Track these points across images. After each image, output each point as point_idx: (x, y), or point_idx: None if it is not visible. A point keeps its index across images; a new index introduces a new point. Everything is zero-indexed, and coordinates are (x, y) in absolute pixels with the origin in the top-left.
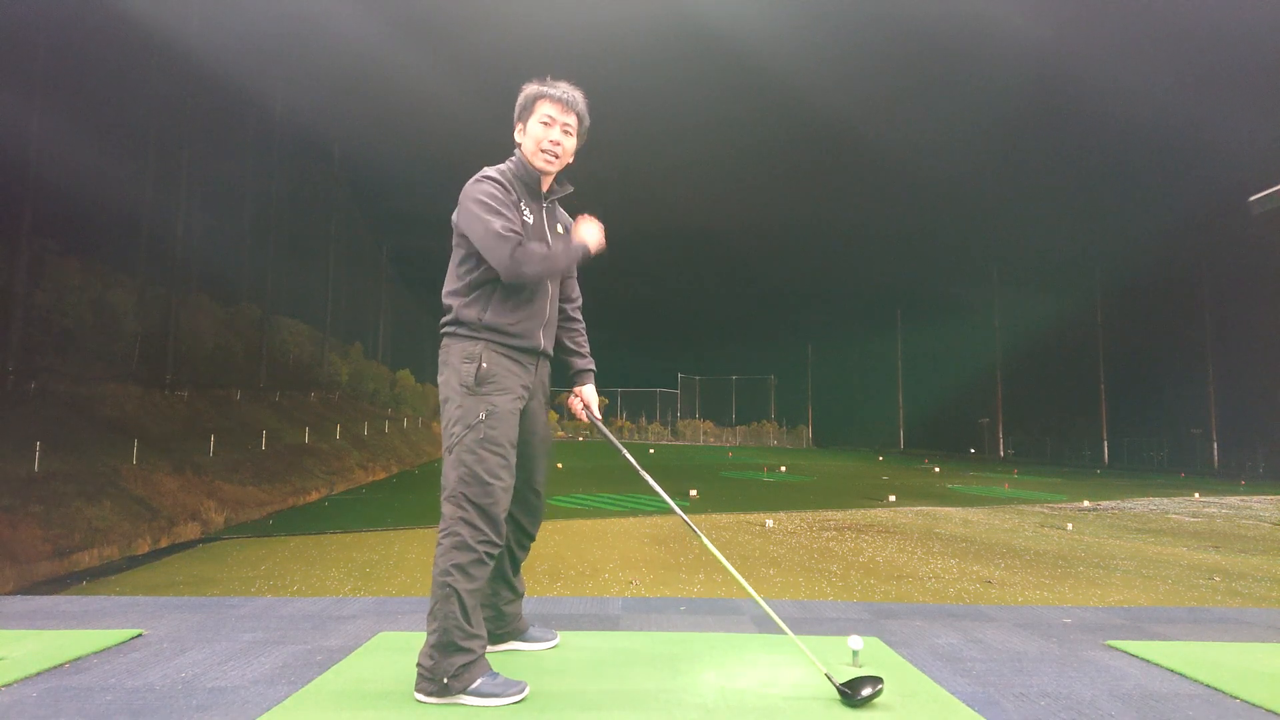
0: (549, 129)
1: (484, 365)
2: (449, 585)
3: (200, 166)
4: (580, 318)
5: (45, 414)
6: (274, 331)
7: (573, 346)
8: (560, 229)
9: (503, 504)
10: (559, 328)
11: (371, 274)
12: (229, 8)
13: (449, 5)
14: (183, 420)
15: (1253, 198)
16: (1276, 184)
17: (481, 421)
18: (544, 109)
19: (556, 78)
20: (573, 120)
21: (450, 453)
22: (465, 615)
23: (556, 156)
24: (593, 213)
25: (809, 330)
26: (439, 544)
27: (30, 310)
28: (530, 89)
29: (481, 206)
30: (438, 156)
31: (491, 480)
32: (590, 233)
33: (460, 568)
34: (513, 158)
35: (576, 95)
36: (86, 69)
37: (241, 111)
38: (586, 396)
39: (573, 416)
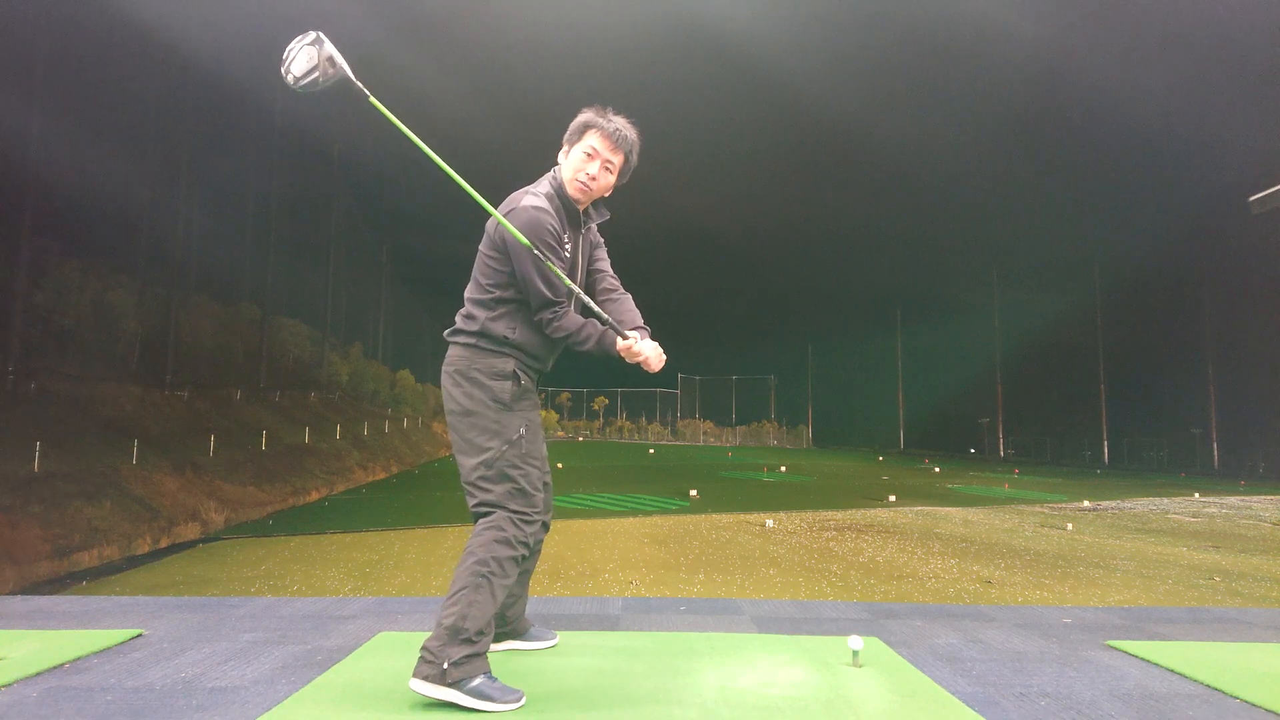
0: (589, 161)
1: (523, 382)
2: (486, 575)
3: (200, 166)
4: (624, 291)
5: (45, 414)
6: (274, 331)
7: (621, 317)
8: (589, 249)
9: (542, 511)
10: (603, 303)
11: (371, 274)
12: (229, 8)
13: (449, 5)
14: (183, 420)
15: (1253, 198)
16: (1276, 184)
17: (522, 437)
18: (591, 140)
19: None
20: (617, 159)
21: (490, 467)
22: (492, 605)
23: (589, 189)
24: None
25: (809, 330)
26: (479, 534)
27: (30, 310)
28: (586, 116)
29: (538, 247)
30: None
31: (535, 492)
32: (644, 352)
33: (499, 561)
34: (552, 177)
35: (629, 134)
36: (86, 69)
37: (241, 111)
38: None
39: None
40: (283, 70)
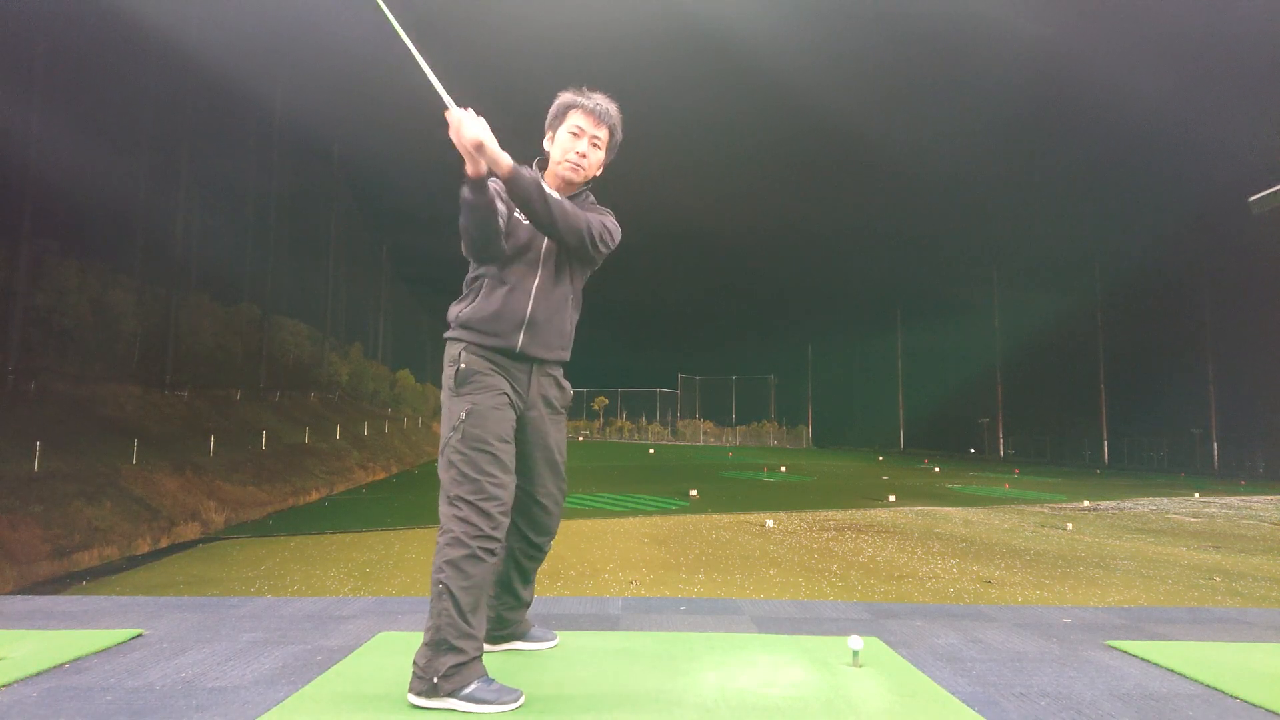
0: (577, 140)
1: (463, 366)
2: (442, 582)
3: (200, 166)
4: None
5: (45, 414)
6: (274, 331)
7: None
8: None
9: (499, 499)
10: None
11: (371, 274)
12: (229, 8)
13: (449, 5)
14: (183, 420)
15: (1252, 198)
16: (1276, 184)
17: (463, 421)
18: (574, 119)
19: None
20: (603, 134)
21: (442, 454)
22: (459, 613)
23: (581, 168)
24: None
25: (809, 330)
26: (436, 543)
27: (30, 310)
28: (564, 97)
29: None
30: (438, 156)
31: (480, 476)
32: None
33: (453, 564)
34: (534, 165)
35: (610, 108)
36: (86, 69)
37: (241, 111)
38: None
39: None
40: None
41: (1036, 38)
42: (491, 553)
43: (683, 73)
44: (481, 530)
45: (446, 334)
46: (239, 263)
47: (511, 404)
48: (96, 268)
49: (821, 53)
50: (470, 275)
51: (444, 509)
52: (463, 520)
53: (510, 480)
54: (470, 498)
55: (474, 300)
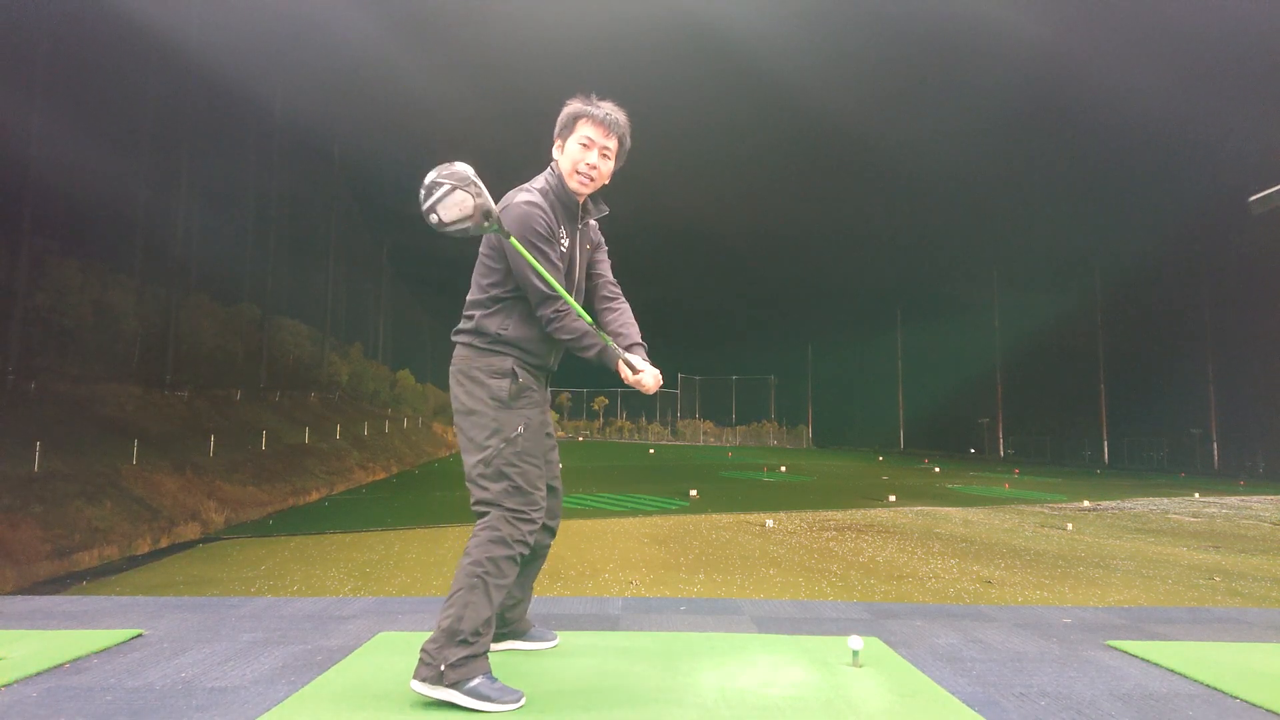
0: (587, 151)
1: (520, 380)
2: (480, 576)
3: (200, 166)
4: (623, 299)
5: (45, 414)
6: (274, 331)
7: (619, 329)
8: (589, 247)
9: (543, 509)
10: (601, 310)
11: (371, 274)
12: (229, 8)
13: (449, 5)
14: (183, 420)
15: (1252, 198)
16: (1276, 184)
17: (519, 435)
18: (584, 130)
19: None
20: (613, 144)
21: (489, 465)
22: (489, 607)
23: (591, 179)
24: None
25: (809, 330)
26: (476, 535)
27: (30, 310)
28: (573, 107)
29: (529, 244)
30: (438, 157)
31: (532, 490)
32: (638, 371)
33: (494, 561)
34: (549, 174)
35: (619, 117)
36: (86, 69)
37: (241, 111)
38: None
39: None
40: (424, 206)
41: (1036, 38)
42: (524, 557)
43: (683, 73)
44: (524, 538)
45: (487, 344)
46: (239, 263)
47: (545, 412)
48: (96, 268)
49: (822, 53)
50: (501, 292)
51: (493, 513)
52: (510, 523)
53: (545, 489)
54: (524, 509)
55: (513, 319)
